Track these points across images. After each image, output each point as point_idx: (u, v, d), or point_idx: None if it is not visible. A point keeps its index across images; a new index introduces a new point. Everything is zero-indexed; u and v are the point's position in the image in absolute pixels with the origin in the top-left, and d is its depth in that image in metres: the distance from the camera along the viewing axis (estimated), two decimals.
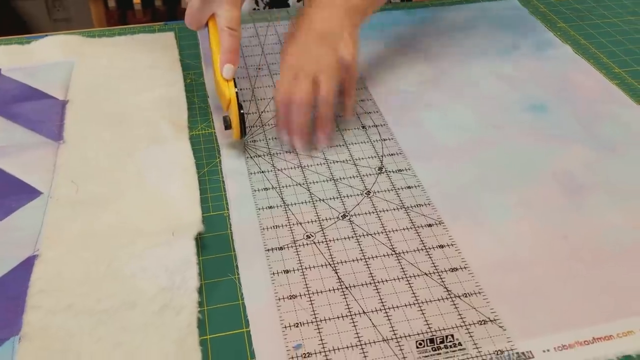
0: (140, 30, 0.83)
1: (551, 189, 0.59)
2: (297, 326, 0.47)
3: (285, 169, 0.62)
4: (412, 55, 0.79)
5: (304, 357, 0.45)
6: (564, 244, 0.53)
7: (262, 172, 0.61)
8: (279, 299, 0.49)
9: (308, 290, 0.50)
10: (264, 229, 0.55)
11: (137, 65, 0.75)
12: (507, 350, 0.45)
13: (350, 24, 0.61)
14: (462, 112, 0.69)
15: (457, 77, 0.74)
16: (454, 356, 0.45)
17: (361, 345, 0.46)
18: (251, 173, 0.61)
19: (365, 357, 0.45)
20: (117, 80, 0.72)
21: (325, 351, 0.45)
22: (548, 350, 0.45)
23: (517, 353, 0.45)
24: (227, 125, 0.61)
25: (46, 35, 0.80)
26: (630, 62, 0.78)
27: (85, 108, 0.68)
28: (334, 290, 0.50)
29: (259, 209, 0.57)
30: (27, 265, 0.51)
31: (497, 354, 0.45)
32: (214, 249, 0.53)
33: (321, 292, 0.49)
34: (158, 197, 0.56)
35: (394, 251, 0.53)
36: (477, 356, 0.45)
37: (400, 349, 0.45)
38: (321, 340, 0.46)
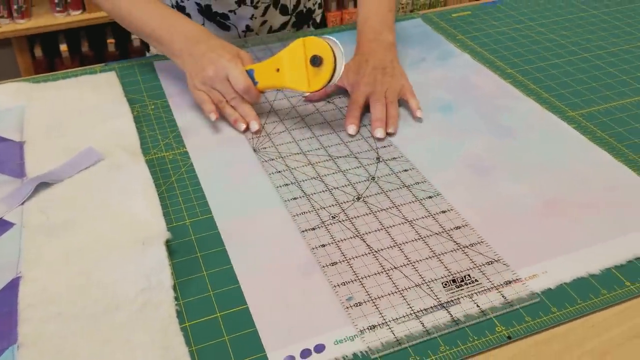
0: (83, 73, 0.90)
1: (464, 172, 0.71)
2: (344, 284, 0.57)
3: (297, 167, 0.72)
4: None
5: (357, 306, 0.55)
6: (479, 213, 0.65)
7: (279, 171, 0.71)
8: (323, 267, 0.59)
9: (345, 257, 0.60)
10: (294, 215, 0.65)
11: (86, 103, 0.82)
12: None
13: (393, 56, 0.85)
14: None
15: None
16: (474, 289, 0.57)
17: (399, 291, 0.57)
18: (270, 174, 0.71)
19: (404, 299, 0.56)
20: (68, 119, 0.79)
21: (372, 299, 0.56)
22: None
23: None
24: (318, 62, 0.71)
25: None
26: (519, 63, 0.95)
27: (43, 146, 0.74)
28: (366, 254, 0.60)
29: (285, 200, 0.67)
30: (12, 286, 0.57)
31: (507, 283, 0.57)
32: (181, 253, 0.60)
33: (356, 257, 0.60)
34: (125, 214, 0.64)
35: (407, 219, 0.65)
36: (491, 287, 0.57)
37: (431, 290, 0.57)
38: (367, 292, 0.56)
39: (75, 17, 2.06)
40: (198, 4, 0.99)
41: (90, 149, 0.72)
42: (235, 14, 0.99)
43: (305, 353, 0.51)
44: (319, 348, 0.51)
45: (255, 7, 0.99)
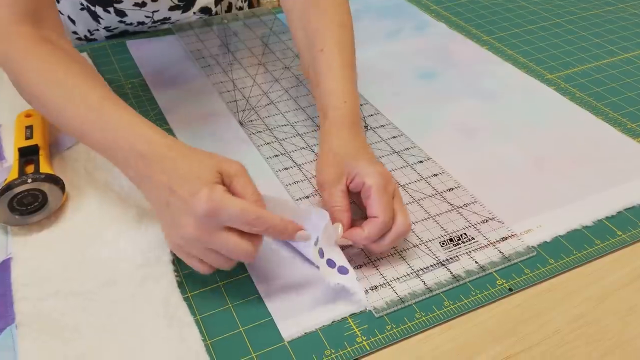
0: None
1: (452, 136, 0.72)
2: (342, 249, 0.57)
3: (286, 138, 0.71)
4: None
5: (358, 268, 0.55)
6: (470, 174, 0.65)
7: (268, 143, 0.71)
8: None
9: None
10: (286, 185, 0.65)
11: None
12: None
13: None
14: (366, 87, 0.79)
15: (356, 59, 0.79)
16: (471, 247, 0.57)
17: (398, 252, 0.57)
18: (258, 146, 0.70)
19: (404, 259, 0.56)
20: None
21: (372, 261, 0.56)
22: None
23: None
24: None
25: None
26: (494, 30, 0.96)
27: None
28: None
29: (276, 171, 0.66)
30: (4, 268, 0.55)
31: (503, 239, 0.58)
32: None
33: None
34: (115, 192, 0.63)
35: (399, 184, 0.65)
36: (488, 244, 0.58)
37: (430, 249, 0.57)
38: (365, 254, 0.57)
39: None
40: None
41: (63, 136, 0.70)
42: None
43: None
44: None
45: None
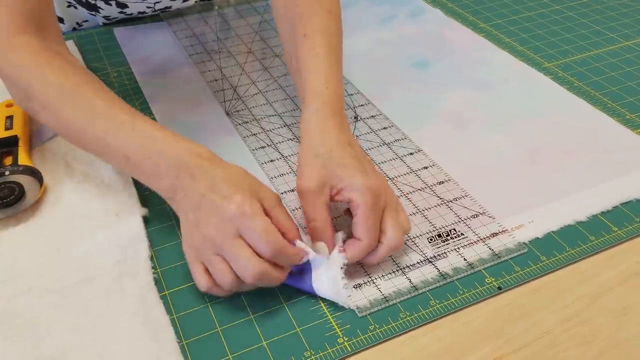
0: None
1: (445, 127, 0.70)
2: None
3: (273, 129, 0.69)
4: None
5: (343, 266, 0.53)
6: (462, 167, 0.63)
7: (254, 134, 0.68)
8: (305, 227, 0.57)
9: None
10: (272, 177, 0.63)
11: None
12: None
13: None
14: (358, 75, 0.78)
15: (347, 47, 0.76)
16: (460, 243, 0.55)
17: None
18: (244, 137, 0.68)
19: (390, 256, 0.54)
20: None
21: None
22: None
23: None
24: None
25: None
26: (492, 17, 0.93)
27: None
28: None
29: (262, 163, 0.64)
30: None
31: (493, 235, 0.56)
32: (157, 221, 0.58)
33: (339, 217, 0.58)
34: (92, 184, 0.61)
35: (388, 177, 0.63)
36: (478, 240, 0.55)
37: (417, 246, 0.55)
38: None
39: None
40: None
41: (44, 127, 0.68)
42: None
43: None
44: None
45: None
